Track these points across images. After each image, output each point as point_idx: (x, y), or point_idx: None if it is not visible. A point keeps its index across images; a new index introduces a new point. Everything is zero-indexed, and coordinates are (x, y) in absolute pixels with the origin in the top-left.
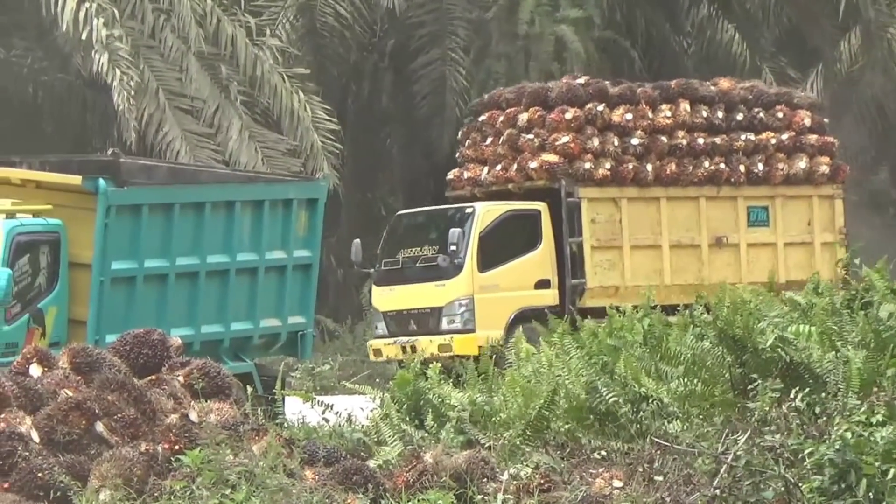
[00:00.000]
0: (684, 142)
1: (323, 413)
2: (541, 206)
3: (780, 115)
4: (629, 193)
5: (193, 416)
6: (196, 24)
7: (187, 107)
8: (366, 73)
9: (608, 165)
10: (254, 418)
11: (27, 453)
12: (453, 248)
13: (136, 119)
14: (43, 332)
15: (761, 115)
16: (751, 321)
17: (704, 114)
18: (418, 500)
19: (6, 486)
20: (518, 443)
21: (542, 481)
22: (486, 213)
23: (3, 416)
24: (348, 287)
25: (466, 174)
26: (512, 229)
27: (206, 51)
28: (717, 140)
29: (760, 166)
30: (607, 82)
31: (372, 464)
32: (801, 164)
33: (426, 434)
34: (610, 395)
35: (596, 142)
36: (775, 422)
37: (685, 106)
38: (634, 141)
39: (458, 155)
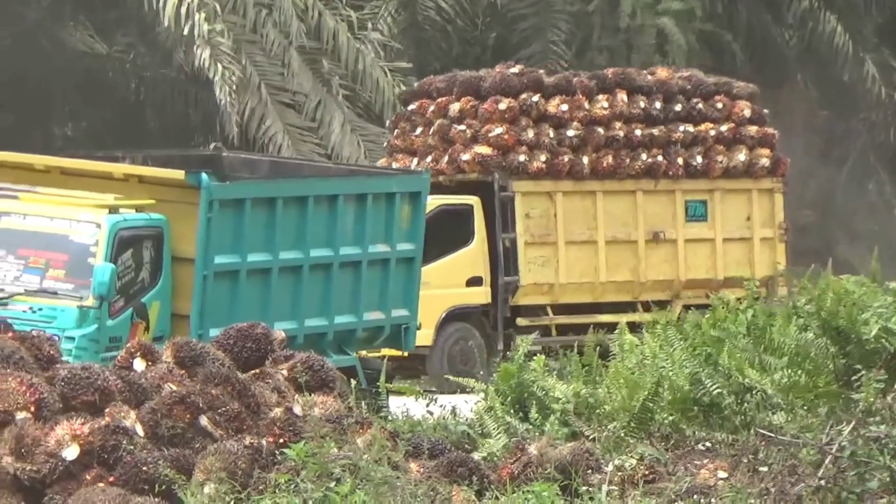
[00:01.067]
0: (621, 133)
1: (427, 406)
2: (473, 200)
3: (720, 105)
4: (564, 187)
5: (297, 410)
6: (297, 19)
7: (289, 101)
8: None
9: (543, 158)
10: (358, 411)
11: (132, 447)
12: None
13: (238, 113)
14: (146, 326)
15: (700, 105)
16: (854, 312)
17: (642, 104)
18: (523, 492)
19: (111, 479)
20: (622, 434)
21: (646, 472)
22: None
23: (107, 410)
24: None
25: (395, 165)
26: (443, 224)
27: (308, 45)
28: (655, 132)
29: (699, 159)
30: (542, 71)
31: (476, 456)
32: (741, 156)
33: (530, 426)
34: (714, 386)
35: (531, 133)
36: (880, 412)
37: (622, 96)
38: (570, 132)
39: (385, 144)
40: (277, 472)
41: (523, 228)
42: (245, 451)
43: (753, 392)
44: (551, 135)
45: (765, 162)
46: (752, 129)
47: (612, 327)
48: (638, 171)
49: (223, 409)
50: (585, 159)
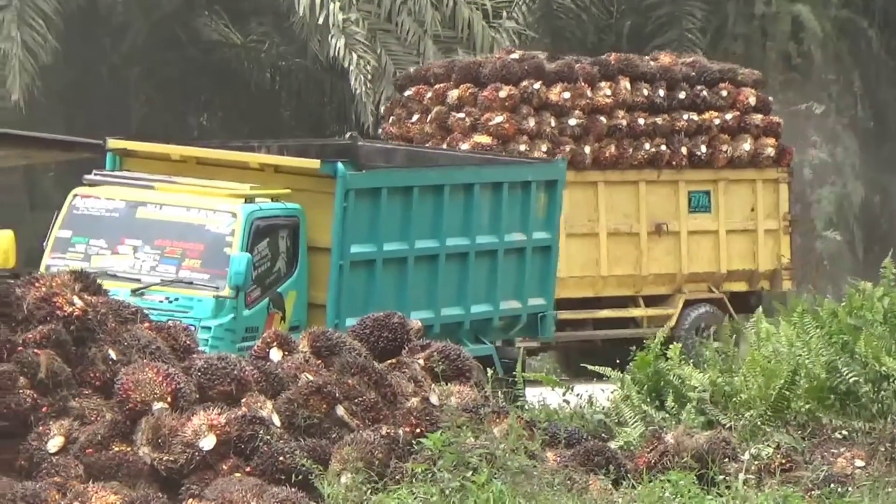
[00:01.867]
0: (624, 122)
1: (563, 395)
2: None
3: (724, 93)
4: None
5: (434, 399)
6: (432, 7)
7: None
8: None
9: (544, 148)
10: (494, 401)
11: (268, 437)
12: None
13: (373, 103)
14: (283, 316)
15: (704, 93)
16: None
17: (645, 92)
18: (660, 481)
19: (248, 469)
20: (759, 423)
21: (783, 461)
22: None
23: (244, 400)
24: None
25: None
26: None
27: (443, 34)
28: (658, 120)
29: (703, 148)
30: (543, 57)
31: (613, 445)
32: (746, 146)
33: (667, 415)
34: (850, 374)
35: (531, 122)
36: None
37: (625, 84)
38: (572, 121)
39: (380, 131)
40: (414, 462)
41: None
42: (381, 440)
43: (890, 380)
44: (552, 124)
45: (770, 151)
46: (757, 118)
47: (611, 323)
48: (641, 161)
49: (360, 398)
50: (587, 149)
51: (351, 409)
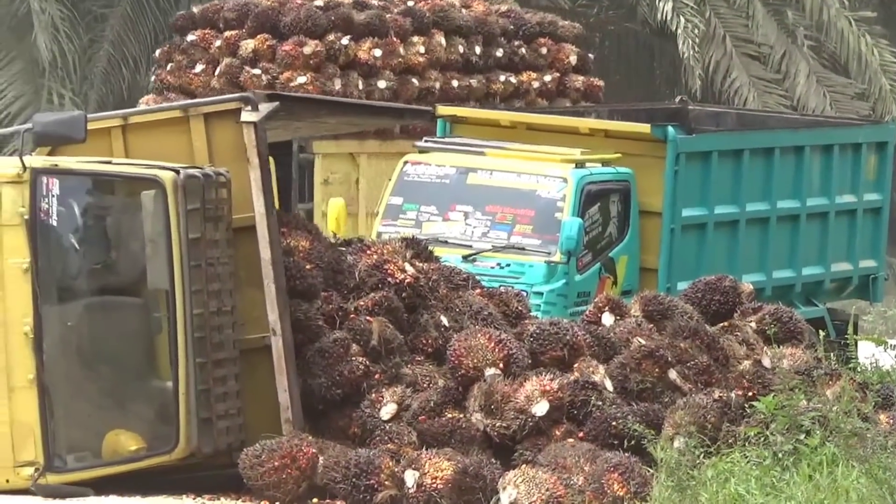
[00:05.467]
0: (437, 84)
1: None
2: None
3: (544, 50)
4: (370, 148)
5: (766, 362)
6: None
7: (754, 53)
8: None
9: None
10: (827, 363)
11: (600, 402)
12: None
13: (702, 67)
14: (614, 280)
15: (523, 50)
16: None
17: (461, 49)
18: None
19: (581, 435)
20: None
21: None
22: None
23: (576, 365)
24: None
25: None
26: None
27: None
28: (474, 82)
29: None
30: (350, 4)
31: None
32: None
33: None
34: None
35: (338, 84)
36: None
37: (440, 39)
38: (382, 83)
39: (153, 79)
40: (747, 426)
41: (321, 197)
42: (714, 404)
43: None
44: (360, 86)
45: None
46: (579, 80)
47: None
48: None
49: (692, 362)
50: None
51: (683, 372)
